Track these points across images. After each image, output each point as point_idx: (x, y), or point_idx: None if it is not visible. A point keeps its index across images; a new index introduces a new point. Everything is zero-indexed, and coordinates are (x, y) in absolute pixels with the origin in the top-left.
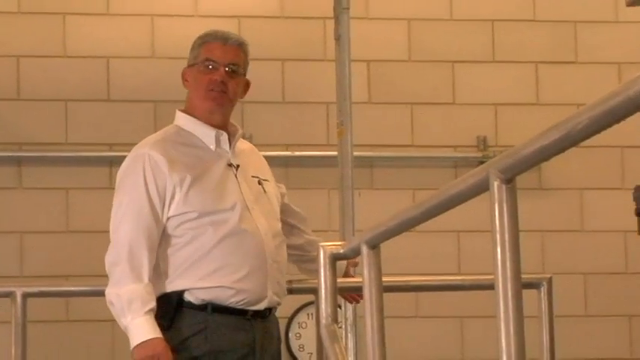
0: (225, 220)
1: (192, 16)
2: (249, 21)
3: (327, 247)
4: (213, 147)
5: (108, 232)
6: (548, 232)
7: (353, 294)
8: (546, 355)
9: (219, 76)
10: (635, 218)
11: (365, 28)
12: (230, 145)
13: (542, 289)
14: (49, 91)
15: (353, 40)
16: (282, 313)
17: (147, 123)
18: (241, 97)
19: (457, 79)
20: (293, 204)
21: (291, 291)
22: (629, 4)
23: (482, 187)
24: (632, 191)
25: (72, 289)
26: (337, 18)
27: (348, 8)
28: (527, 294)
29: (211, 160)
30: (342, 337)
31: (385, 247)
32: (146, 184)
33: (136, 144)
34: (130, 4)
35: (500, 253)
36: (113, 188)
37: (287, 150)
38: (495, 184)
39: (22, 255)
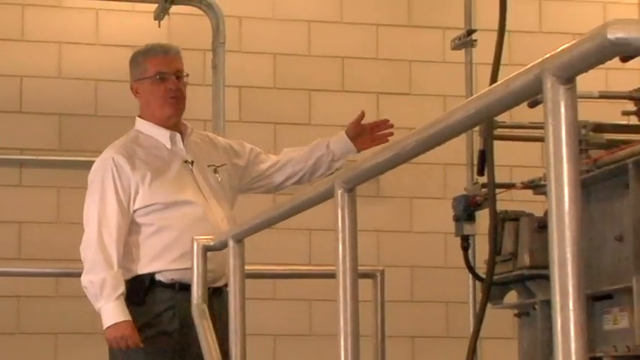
0: (187, 210)
1: (94, 44)
2: None
3: (200, 240)
4: (169, 146)
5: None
6: (382, 232)
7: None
8: (378, 332)
9: (173, 84)
10: (453, 223)
11: (237, 60)
12: (183, 143)
13: (376, 279)
14: None
15: (227, 69)
16: None
17: (52, 132)
18: None
19: (313, 104)
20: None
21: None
22: (531, 106)
23: (329, 195)
24: (452, 201)
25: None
26: (214, 50)
27: (223, 43)
28: (364, 283)
29: (168, 158)
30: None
31: (249, 241)
32: (113, 183)
33: (43, 149)
34: (40, 32)
35: (342, 249)
36: (22, 185)
37: None
38: (339, 192)
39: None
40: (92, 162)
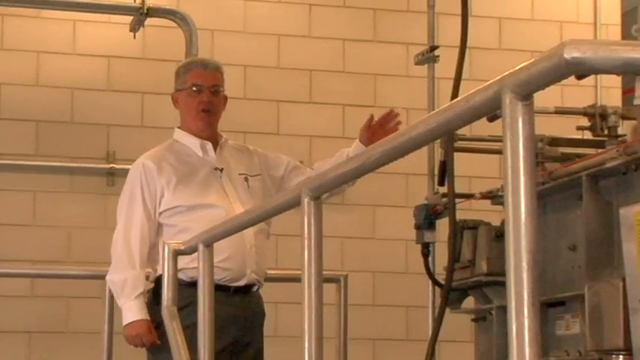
0: (209, 213)
1: (71, 54)
2: (119, 60)
3: (171, 244)
4: (200, 154)
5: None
6: (347, 239)
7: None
8: (341, 334)
9: (206, 97)
10: (415, 231)
11: None
12: (215, 151)
13: (340, 283)
14: None
15: None
16: None
17: (29, 138)
18: (223, 110)
19: (281, 114)
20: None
21: None
22: (490, 121)
23: (296, 202)
24: (413, 210)
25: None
26: None
27: (196, 54)
28: (328, 286)
29: (198, 165)
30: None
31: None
32: (141, 187)
33: (21, 154)
34: (19, 41)
35: (307, 254)
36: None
37: None
38: (306, 200)
39: None
40: (67, 167)
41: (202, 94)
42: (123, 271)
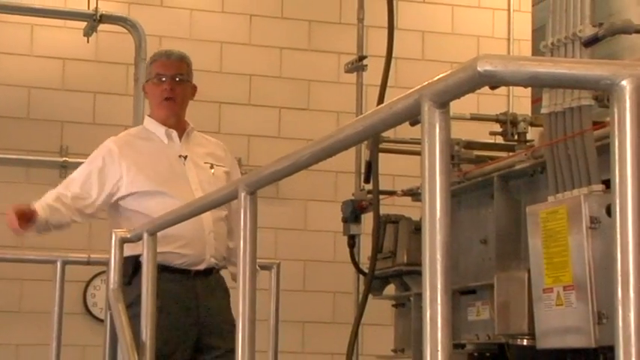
0: (170, 198)
1: (29, 55)
2: (73, 62)
3: (118, 232)
4: (166, 141)
5: None
6: (280, 230)
7: None
8: (273, 317)
9: (168, 86)
10: (342, 223)
11: None
12: (181, 139)
13: (273, 270)
14: None
15: None
16: (82, 277)
17: None
18: (191, 99)
19: (222, 115)
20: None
21: (88, 263)
22: (412, 125)
23: (233, 196)
24: (341, 204)
25: None
26: (137, 65)
27: (145, 58)
28: (263, 273)
29: (162, 152)
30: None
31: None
32: (100, 165)
33: None
34: None
35: (243, 244)
36: None
37: None
38: (242, 194)
39: None
40: (23, 160)
41: (165, 83)
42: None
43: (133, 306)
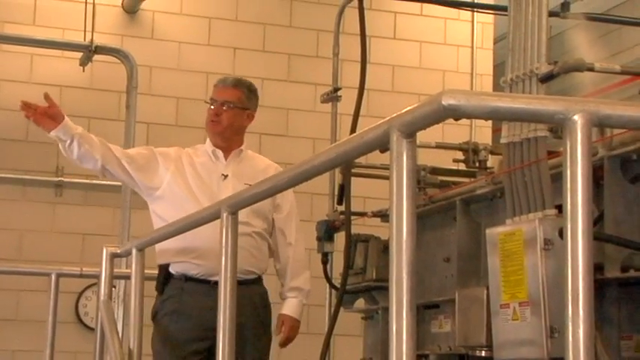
0: (188, 206)
1: (28, 82)
2: (69, 90)
3: (109, 247)
4: (213, 159)
5: None
6: None
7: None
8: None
9: (213, 111)
10: (316, 242)
11: (147, 101)
12: (226, 159)
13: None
14: None
15: (138, 108)
16: (74, 289)
17: None
18: (245, 124)
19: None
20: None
21: (81, 275)
22: (382, 152)
23: (216, 216)
24: (316, 224)
25: None
26: (128, 93)
27: (136, 87)
28: None
29: (207, 168)
30: (115, 308)
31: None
32: (156, 152)
33: None
34: None
35: (224, 259)
36: None
37: (88, 179)
38: (224, 215)
39: None
40: (20, 179)
41: (213, 108)
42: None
43: (159, 311)
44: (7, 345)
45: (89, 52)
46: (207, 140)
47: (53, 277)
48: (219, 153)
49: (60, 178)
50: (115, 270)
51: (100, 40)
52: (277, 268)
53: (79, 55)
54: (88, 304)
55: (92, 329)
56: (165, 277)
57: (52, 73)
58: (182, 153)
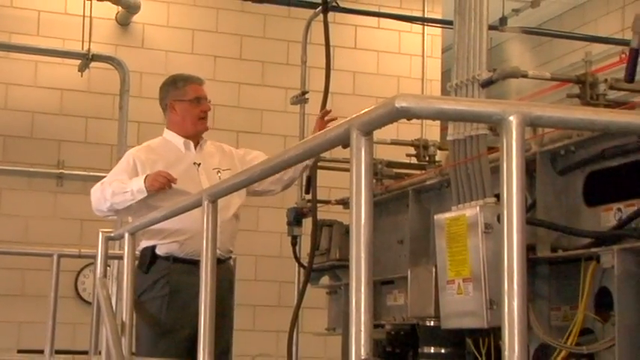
0: (182, 197)
1: (33, 86)
2: (69, 93)
3: (104, 231)
4: (183, 150)
5: None
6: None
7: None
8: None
9: (206, 107)
10: (287, 226)
11: (138, 103)
12: (195, 149)
13: (230, 263)
14: None
15: (130, 109)
16: (73, 268)
17: None
18: None
19: None
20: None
21: (79, 256)
22: (344, 148)
23: (198, 204)
24: (286, 211)
25: None
26: (121, 95)
27: (128, 90)
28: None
29: (180, 159)
30: (109, 285)
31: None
32: (127, 166)
33: None
34: None
35: (205, 243)
36: None
37: (86, 171)
38: (205, 203)
39: None
40: (26, 171)
41: (203, 105)
42: (111, 187)
43: (147, 291)
44: (15, 317)
45: (87, 59)
46: (171, 133)
47: (55, 257)
48: (191, 144)
49: (61, 170)
50: (110, 251)
51: (96, 49)
52: (285, 179)
53: (78, 62)
54: (85, 282)
55: (89, 303)
56: (151, 257)
57: (53, 78)
58: (141, 153)
